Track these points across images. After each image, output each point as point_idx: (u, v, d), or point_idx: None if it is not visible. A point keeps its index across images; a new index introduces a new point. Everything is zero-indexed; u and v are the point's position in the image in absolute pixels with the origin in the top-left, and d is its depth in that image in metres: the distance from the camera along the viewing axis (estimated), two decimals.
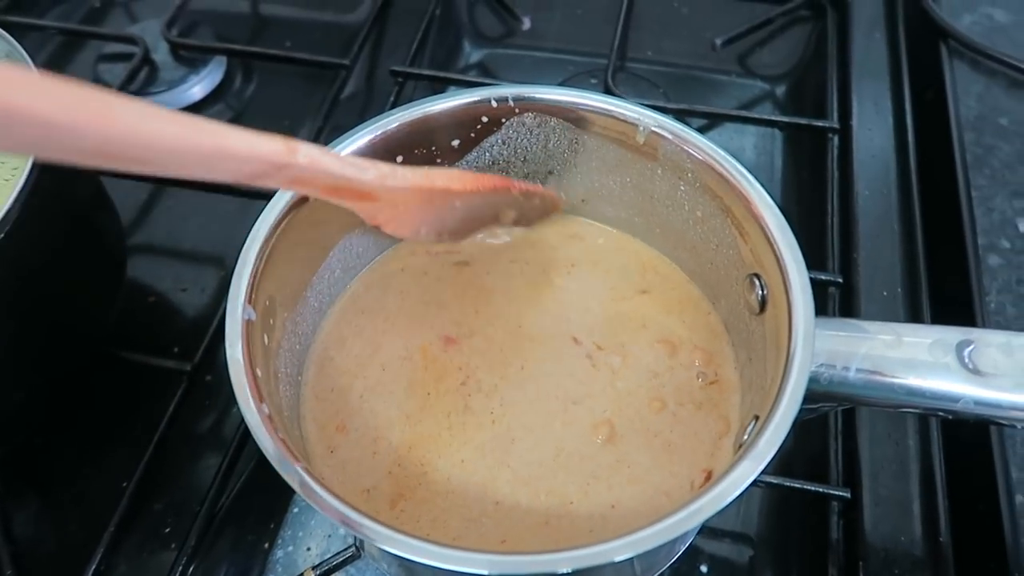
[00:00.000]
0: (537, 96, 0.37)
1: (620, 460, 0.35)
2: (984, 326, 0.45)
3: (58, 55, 0.66)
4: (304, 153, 0.28)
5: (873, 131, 0.56)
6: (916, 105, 0.57)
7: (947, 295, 0.48)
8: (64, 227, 0.42)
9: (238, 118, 0.62)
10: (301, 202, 0.34)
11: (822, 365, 0.30)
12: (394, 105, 0.57)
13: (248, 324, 0.30)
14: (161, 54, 0.63)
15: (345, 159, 0.30)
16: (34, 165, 0.36)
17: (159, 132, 0.24)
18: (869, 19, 0.63)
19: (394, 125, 0.35)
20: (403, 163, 0.37)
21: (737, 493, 0.27)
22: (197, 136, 0.25)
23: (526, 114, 0.38)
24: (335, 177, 0.30)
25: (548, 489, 0.34)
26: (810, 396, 0.29)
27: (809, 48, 0.65)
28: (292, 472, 0.26)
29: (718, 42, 0.62)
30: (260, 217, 0.34)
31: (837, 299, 0.47)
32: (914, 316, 0.47)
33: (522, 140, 0.39)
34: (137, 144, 0.23)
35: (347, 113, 0.59)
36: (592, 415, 0.36)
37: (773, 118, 0.58)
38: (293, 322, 0.36)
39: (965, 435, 0.42)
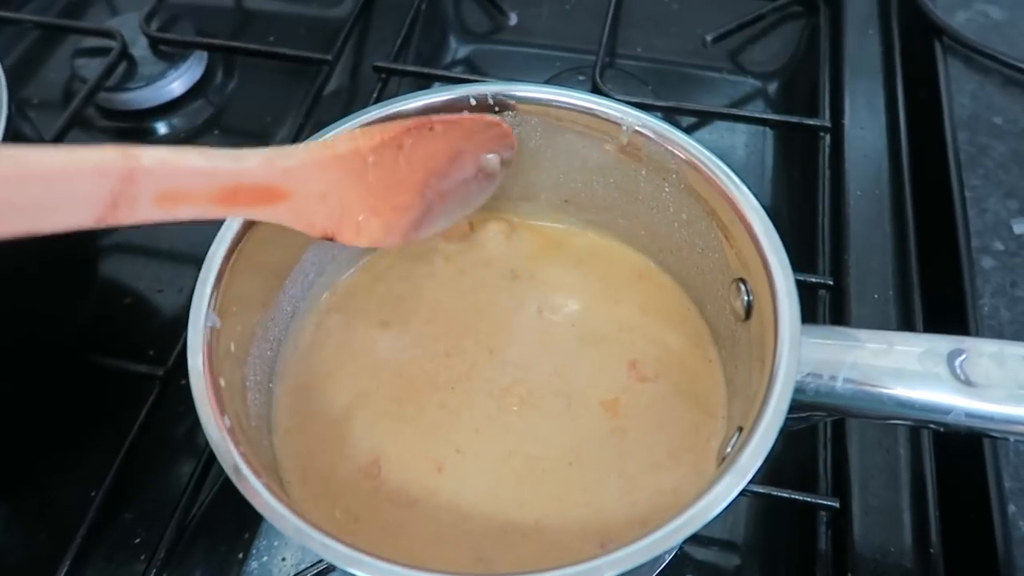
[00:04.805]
0: (517, 94, 0.36)
1: (626, 469, 0.34)
2: (977, 330, 0.44)
3: (34, 50, 0.65)
4: (149, 156, 0.23)
5: (865, 130, 0.55)
6: (909, 103, 0.56)
7: (940, 298, 0.47)
8: None
9: (219, 114, 0.61)
10: None
11: (809, 375, 0.29)
12: (377, 102, 0.55)
13: (212, 331, 0.29)
14: (140, 49, 0.61)
15: (211, 150, 0.26)
16: None
17: None
18: (862, 16, 0.62)
19: (366, 124, 0.34)
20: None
21: (719, 509, 0.26)
22: None
23: (506, 112, 0.36)
24: (207, 175, 0.25)
25: (523, 503, 0.33)
26: (796, 406, 0.28)
27: (801, 45, 0.64)
28: (250, 487, 0.25)
29: (709, 38, 0.61)
30: (227, 219, 0.32)
31: (828, 302, 0.46)
32: (906, 319, 0.46)
33: None
34: None
35: (330, 110, 0.58)
36: (604, 428, 0.35)
37: (764, 116, 0.57)
38: (264, 327, 0.35)
39: (957, 444, 0.41)
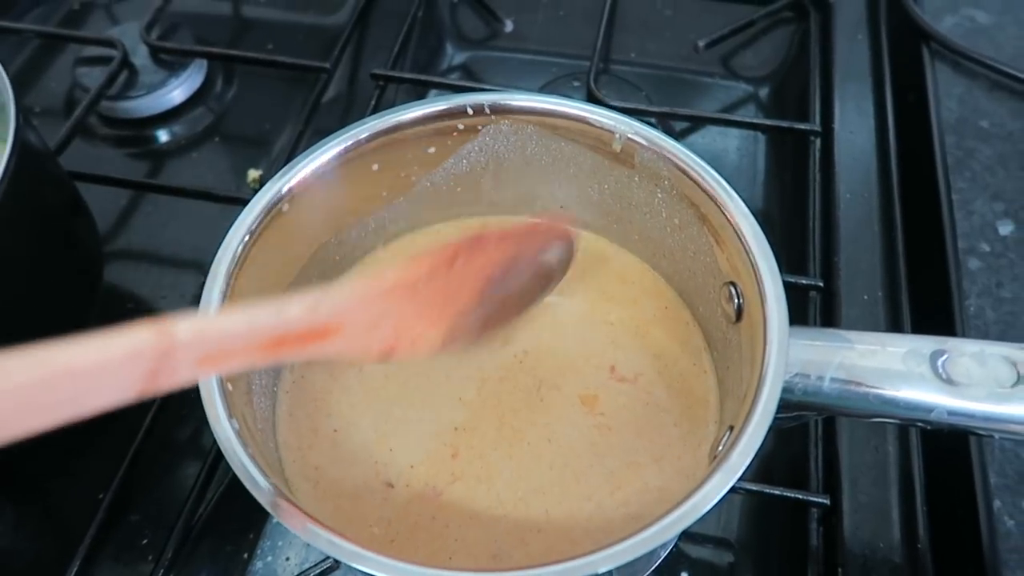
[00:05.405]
0: (513, 103, 0.37)
1: (605, 462, 0.35)
2: (964, 330, 0.45)
3: (36, 59, 0.65)
4: (184, 329, 0.22)
5: (855, 134, 0.56)
6: (898, 108, 0.57)
7: (928, 299, 0.48)
8: (37, 234, 0.41)
9: (219, 121, 0.62)
10: (277, 207, 0.34)
11: (796, 375, 0.30)
12: (375, 109, 0.56)
13: None
14: (140, 57, 0.62)
15: (250, 309, 0.24)
16: (4, 172, 0.36)
17: None
18: (852, 21, 0.63)
19: (365, 135, 0.35)
20: (379, 171, 0.37)
21: (711, 505, 0.27)
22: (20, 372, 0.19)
23: (503, 121, 0.37)
24: (248, 333, 0.24)
25: (538, 497, 0.34)
26: (785, 406, 0.29)
27: (792, 50, 0.65)
28: (261, 489, 0.26)
29: (701, 44, 0.62)
30: (234, 224, 0.33)
31: (818, 303, 0.47)
32: (894, 320, 0.47)
33: (499, 147, 0.39)
34: None
35: (328, 117, 0.59)
36: (582, 421, 0.36)
37: (755, 121, 0.58)
38: None
39: (944, 441, 0.42)
